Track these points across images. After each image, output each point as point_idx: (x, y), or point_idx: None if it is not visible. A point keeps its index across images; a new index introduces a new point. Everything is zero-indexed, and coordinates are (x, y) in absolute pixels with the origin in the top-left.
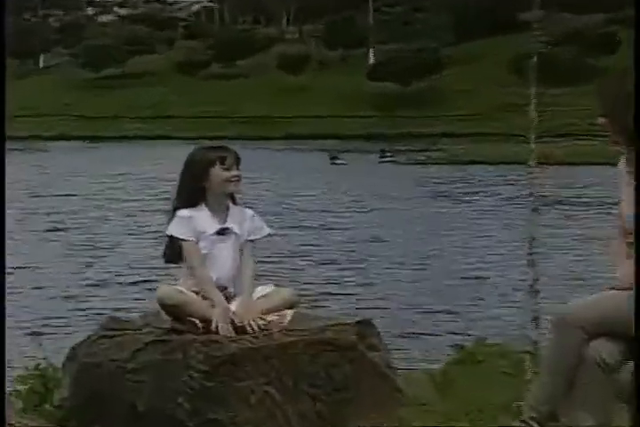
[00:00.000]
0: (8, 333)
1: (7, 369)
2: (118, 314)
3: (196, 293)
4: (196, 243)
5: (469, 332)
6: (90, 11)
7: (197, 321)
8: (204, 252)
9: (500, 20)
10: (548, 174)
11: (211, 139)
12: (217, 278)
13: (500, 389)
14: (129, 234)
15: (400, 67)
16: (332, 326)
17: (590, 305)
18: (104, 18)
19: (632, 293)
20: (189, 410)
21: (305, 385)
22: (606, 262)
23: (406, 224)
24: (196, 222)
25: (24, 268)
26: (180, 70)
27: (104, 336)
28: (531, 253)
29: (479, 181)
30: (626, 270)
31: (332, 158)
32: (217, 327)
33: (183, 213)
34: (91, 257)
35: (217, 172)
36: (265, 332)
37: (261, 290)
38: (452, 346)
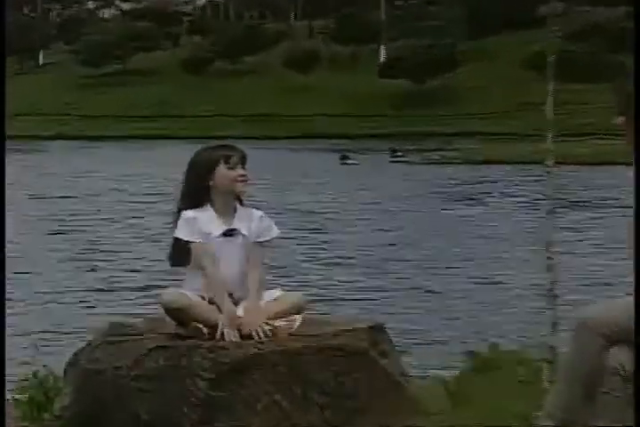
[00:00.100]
0: (8, 340)
1: (7, 376)
2: (120, 319)
3: (202, 297)
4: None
5: (485, 338)
6: (90, 4)
7: (202, 326)
8: None
9: (517, 13)
10: (567, 175)
11: (216, 138)
12: (224, 282)
13: (517, 397)
14: (131, 237)
15: (412, 64)
16: (343, 331)
17: (612, 310)
18: (106, 12)
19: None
20: (195, 419)
21: (314, 393)
22: (628, 267)
23: (420, 226)
24: (200, 223)
25: (24, 273)
26: (184, 68)
27: (106, 342)
28: (550, 257)
29: (495, 181)
30: None
31: (343, 158)
32: (223, 333)
33: (187, 214)
34: (93, 260)
35: (222, 171)
36: (273, 338)
37: (270, 294)
38: (466, 353)
